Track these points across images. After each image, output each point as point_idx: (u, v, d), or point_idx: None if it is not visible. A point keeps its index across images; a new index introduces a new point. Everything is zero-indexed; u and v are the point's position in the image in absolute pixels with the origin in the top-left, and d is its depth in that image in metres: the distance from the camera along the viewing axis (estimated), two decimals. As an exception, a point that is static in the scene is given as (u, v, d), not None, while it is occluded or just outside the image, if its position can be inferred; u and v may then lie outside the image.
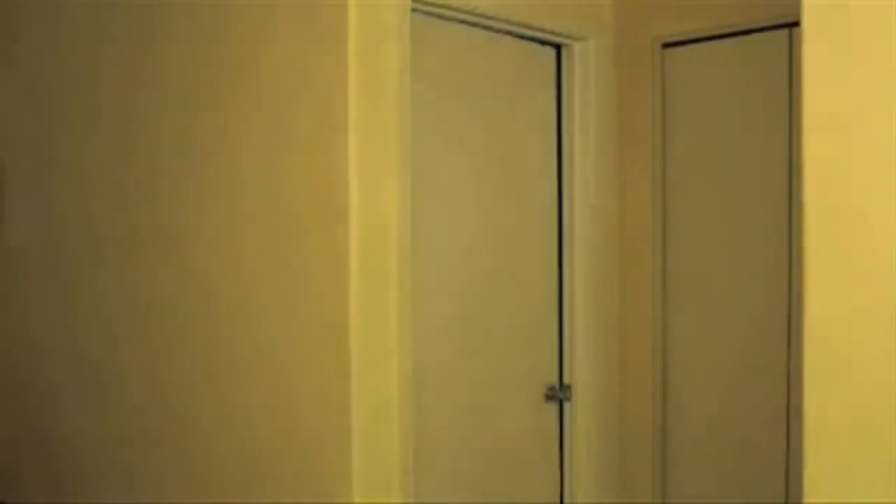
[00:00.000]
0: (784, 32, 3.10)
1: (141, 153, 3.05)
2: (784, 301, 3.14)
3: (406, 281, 2.68)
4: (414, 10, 2.74)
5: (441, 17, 2.92)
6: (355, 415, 2.55)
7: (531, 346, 3.28)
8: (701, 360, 3.35)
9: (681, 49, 3.33)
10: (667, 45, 3.35)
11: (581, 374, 3.34)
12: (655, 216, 3.38)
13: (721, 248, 3.29)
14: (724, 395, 3.29)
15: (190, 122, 2.92)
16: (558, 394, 3.32)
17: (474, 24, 3.02)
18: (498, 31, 3.10)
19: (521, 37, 3.18)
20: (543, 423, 3.32)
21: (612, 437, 3.43)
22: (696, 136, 3.33)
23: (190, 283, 2.92)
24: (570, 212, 3.33)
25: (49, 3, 3.30)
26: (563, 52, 3.32)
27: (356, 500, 2.55)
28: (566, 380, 3.34)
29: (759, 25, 3.15)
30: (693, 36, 3.29)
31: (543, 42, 3.26)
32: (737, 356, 3.27)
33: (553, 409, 3.34)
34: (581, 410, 3.34)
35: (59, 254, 3.32)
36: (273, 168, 2.71)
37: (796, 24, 2.65)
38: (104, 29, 3.14)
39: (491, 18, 3.02)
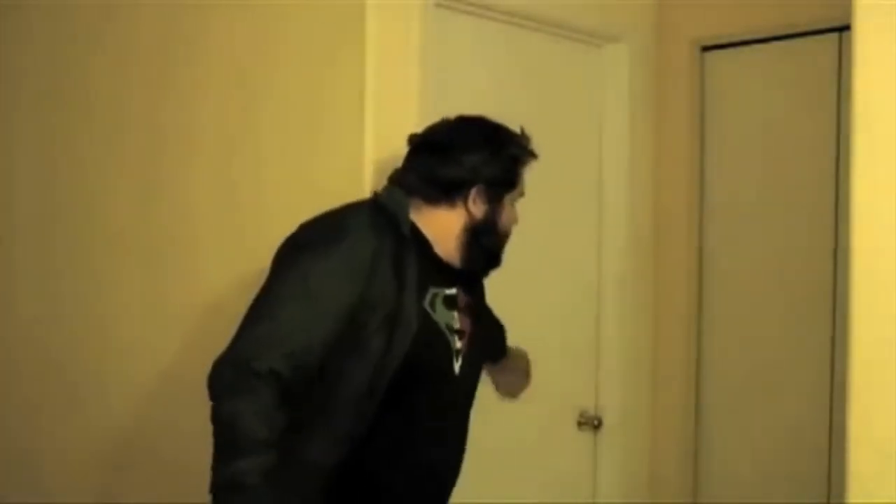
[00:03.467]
0: (833, 37, 3.01)
1: (167, 155, 3.00)
2: (828, 321, 3.04)
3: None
4: (439, 5, 2.67)
5: (474, 14, 2.84)
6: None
7: (565, 369, 3.20)
8: (737, 382, 3.26)
9: (721, 52, 3.26)
10: (706, 49, 3.28)
11: (613, 400, 3.26)
12: (691, 229, 3.30)
13: (762, 264, 3.21)
14: (761, 418, 3.20)
15: (214, 120, 2.86)
16: (591, 420, 3.24)
17: (506, 22, 2.94)
18: (532, 29, 3.02)
19: (557, 36, 3.10)
20: (575, 449, 3.23)
21: (643, 464, 3.34)
22: (736, 144, 3.25)
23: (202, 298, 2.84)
24: (603, 223, 3.26)
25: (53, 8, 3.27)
26: (596, 53, 3.23)
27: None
28: (600, 405, 3.26)
29: (806, 29, 3.07)
30: (734, 39, 3.22)
31: (578, 42, 3.18)
32: (775, 377, 3.17)
33: (586, 436, 3.26)
34: (612, 437, 3.26)
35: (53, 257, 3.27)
36: (298, 168, 2.64)
37: (846, 27, 2.55)
38: (122, 25, 3.09)
39: (525, 17, 2.95)
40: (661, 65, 3.32)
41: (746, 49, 3.20)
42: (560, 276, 3.19)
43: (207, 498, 1.88)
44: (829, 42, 3.03)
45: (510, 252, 2.99)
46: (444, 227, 2.08)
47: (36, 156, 3.38)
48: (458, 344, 2.09)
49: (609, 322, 3.26)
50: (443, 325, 2.06)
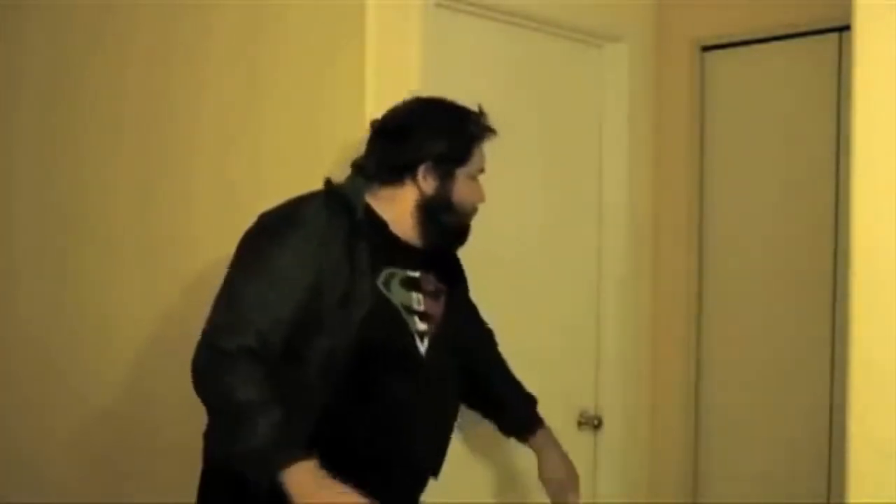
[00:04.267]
0: (833, 37, 3.00)
1: (173, 156, 3.00)
2: (828, 321, 3.03)
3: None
4: (439, 5, 2.66)
5: (474, 14, 2.84)
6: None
7: (565, 369, 3.20)
8: (737, 382, 3.25)
9: (721, 52, 3.25)
10: (706, 49, 3.27)
11: (613, 400, 3.25)
12: (691, 228, 3.29)
13: (762, 263, 3.20)
14: (761, 418, 3.19)
15: (214, 119, 2.85)
16: (591, 420, 3.23)
17: (506, 22, 2.93)
18: (532, 29, 3.01)
19: (557, 36, 3.10)
20: (575, 449, 3.20)
21: (642, 464, 3.33)
22: (735, 144, 3.24)
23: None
24: (602, 223, 3.25)
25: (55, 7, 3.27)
26: (596, 53, 3.22)
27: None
28: (599, 405, 3.25)
29: (806, 29, 3.06)
30: (734, 39, 3.21)
31: (578, 42, 3.18)
32: (776, 379, 3.16)
33: (586, 435, 3.25)
34: (612, 437, 3.25)
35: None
36: (297, 168, 2.63)
37: (846, 27, 2.54)
38: (123, 20, 3.09)
39: (525, 17, 2.94)
40: (661, 65, 3.31)
41: (746, 49, 3.19)
42: (560, 276, 3.18)
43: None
44: (829, 42, 3.02)
45: (510, 252, 3.01)
46: (399, 207, 2.14)
47: (36, 155, 3.37)
48: (422, 325, 2.13)
49: (609, 322, 3.25)
50: (398, 304, 2.10)
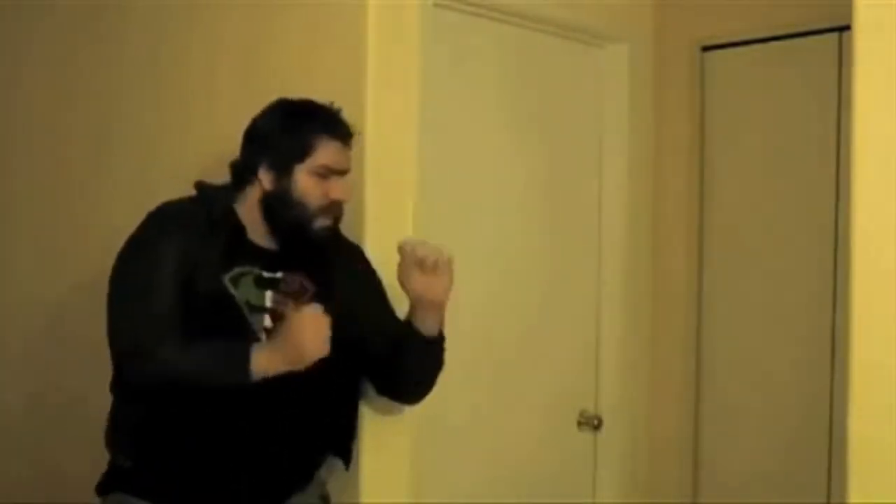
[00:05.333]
0: (833, 37, 3.00)
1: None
2: (828, 321, 3.03)
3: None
4: (438, 5, 2.65)
5: (473, 14, 2.83)
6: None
7: (565, 369, 3.20)
8: (737, 382, 3.25)
9: (721, 52, 3.24)
10: (707, 48, 3.26)
11: (613, 400, 3.25)
12: (691, 229, 3.28)
13: (762, 263, 3.20)
14: (761, 418, 3.18)
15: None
16: (591, 420, 3.23)
17: (505, 22, 2.93)
18: (532, 29, 3.01)
19: (557, 36, 3.10)
20: (575, 449, 3.22)
21: (642, 464, 3.33)
22: (735, 144, 3.24)
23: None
24: (602, 223, 3.25)
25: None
26: (596, 53, 3.22)
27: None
28: (599, 405, 3.25)
29: (806, 29, 3.05)
30: (734, 39, 3.20)
31: (578, 42, 3.17)
32: (776, 378, 3.16)
33: (586, 435, 3.25)
34: (612, 437, 3.25)
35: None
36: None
37: (846, 27, 2.54)
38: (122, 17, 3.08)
39: (525, 17, 2.94)
40: (661, 65, 3.30)
41: (746, 49, 3.19)
42: (560, 276, 3.18)
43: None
44: (829, 42, 3.01)
45: (510, 252, 3.01)
46: (250, 208, 2.21)
47: (34, 154, 3.37)
48: (270, 323, 2.17)
49: (609, 322, 3.25)
50: (241, 301, 2.14)
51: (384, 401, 2.43)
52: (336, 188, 2.20)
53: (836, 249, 3.01)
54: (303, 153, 2.17)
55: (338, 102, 2.24)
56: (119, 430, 2.19)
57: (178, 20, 2.91)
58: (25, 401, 3.28)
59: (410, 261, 2.19)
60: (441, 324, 2.27)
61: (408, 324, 2.26)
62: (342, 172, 2.21)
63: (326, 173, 2.18)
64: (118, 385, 2.19)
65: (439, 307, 2.24)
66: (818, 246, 3.05)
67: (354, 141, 2.26)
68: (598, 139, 3.25)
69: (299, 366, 2.05)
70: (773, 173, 3.17)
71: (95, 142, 3.13)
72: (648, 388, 3.34)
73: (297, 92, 2.62)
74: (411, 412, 2.53)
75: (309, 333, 2.03)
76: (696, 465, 3.30)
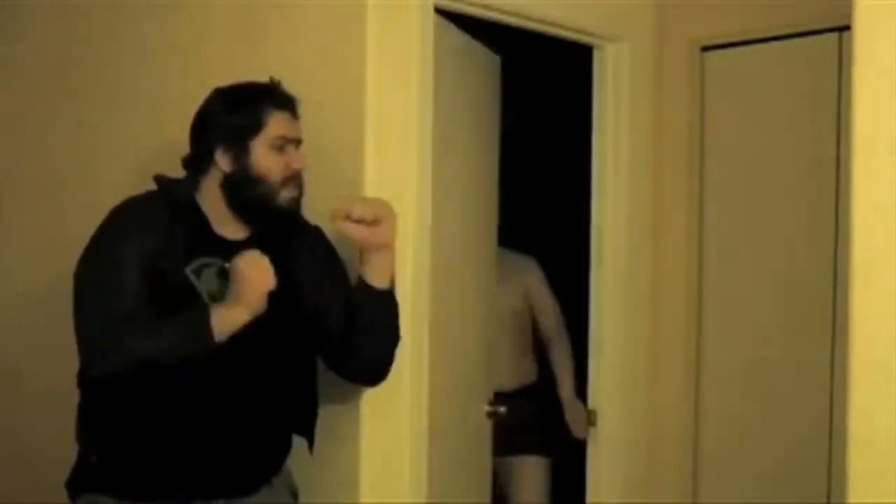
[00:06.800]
0: (833, 37, 3.00)
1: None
2: (829, 321, 3.03)
3: (424, 296, 2.57)
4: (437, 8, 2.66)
5: (479, 15, 2.84)
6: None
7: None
8: (737, 382, 3.25)
9: (721, 52, 3.24)
10: (706, 49, 3.26)
11: (612, 399, 3.25)
12: (691, 228, 3.28)
13: (762, 262, 3.20)
14: (761, 418, 3.19)
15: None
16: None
17: (502, 23, 2.93)
18: (528, 30, 3.01)
19: (554, 37, 3.09)
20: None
21: (641, 463, 3.33)
22: (736, 144, 3.24)
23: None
24: (601, 226, 3.24)
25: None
26: (596, 53, 3.22)
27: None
28: (597, 403, 3.25)
29: (806, 29, 3.06)
30: (734, 39, 3.20)
31: (576, 43, 3.17)
32: (776, 378, 3.15)
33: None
34: (610, 435, 3.24)
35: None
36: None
37: (846, 27, 2.54)
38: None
39: (525, 17, 2.94)
40: (661, 65, 3.30)
41: (746, 49, 3.19)
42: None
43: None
44: (829, 42, 3.02)
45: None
46: (211, 196, 2.22)
47: (32, 149, 3.36)
48: None
49: (608, 321, 3.25)
50: (203, 291, 2.16)
51: (384, 401, 2.43)
52: (296, 158, 2.20)
53: (835, 249, 3.01)
54: (256, 127, 2.18)
55: (276, 76, 2.25)
56: (87, 424, 2.21)
57: (173, 20, 2.91)
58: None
59: (350, 220, 2.20)
60: (392, 274, 2.26)
61: (359, 280, 2.26)
62: (297, 142, 2.22)
63: (283, 143, 2.19)
64: (84, 379, 2.20)
65: (387, 251, 2.24)
66: (818, 246, 3.05)
67: (300, 111, 2.26)
68: (598, 139, 3.25)
69: (256, 307, 2.08)
70: (773, 172, 3.17)
71: (88, 134, 3.12)
72: (647, 387, 3.33)
73: (297, 91, 2.63)
74: (411, 412, 2.53)
75: (255, 271, 2.07)
76: (695, 465, 3.30)
